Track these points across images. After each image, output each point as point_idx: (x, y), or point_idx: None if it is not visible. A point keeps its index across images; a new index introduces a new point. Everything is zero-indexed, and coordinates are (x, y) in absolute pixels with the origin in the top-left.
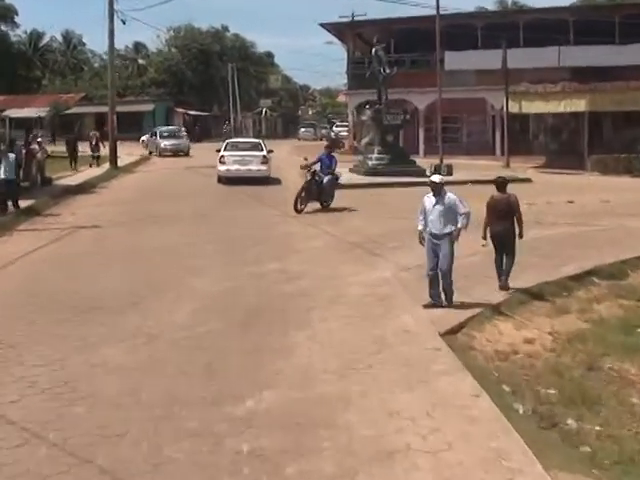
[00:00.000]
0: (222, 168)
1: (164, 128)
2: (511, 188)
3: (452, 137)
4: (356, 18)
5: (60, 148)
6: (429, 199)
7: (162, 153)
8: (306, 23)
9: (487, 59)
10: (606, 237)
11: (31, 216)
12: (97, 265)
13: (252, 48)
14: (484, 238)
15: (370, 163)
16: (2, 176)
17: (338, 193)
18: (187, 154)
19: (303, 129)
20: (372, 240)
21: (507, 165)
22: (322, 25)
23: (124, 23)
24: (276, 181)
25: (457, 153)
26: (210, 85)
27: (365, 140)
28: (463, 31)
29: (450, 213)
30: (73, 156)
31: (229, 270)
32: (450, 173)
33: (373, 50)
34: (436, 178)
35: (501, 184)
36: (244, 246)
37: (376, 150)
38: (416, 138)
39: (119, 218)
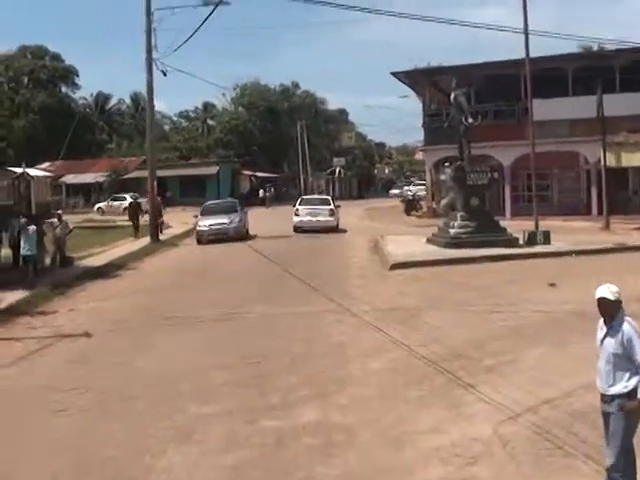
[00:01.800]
0: (296, 219)
1: (210, 203)
2: (621, 259)
3: (542, 195)
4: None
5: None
6: (600, 328)
7: (201, 239)
8: (380, 78)
9: (580, 107)
10: None
11: (13, 315)
12: (34, 426)
13: (323, 105)
14: None
15: (452, 232)
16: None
17: (411, 273)
18: (242, 238)
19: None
20: (459, 353)
21: (606, 227)
22: (394, 74)
23: (164, 74)
24: (339, 255)
25: (547, 213)
26: (279, 145)
27: (444, 201)
28: (552, 77)
29: (625, 358)
30: (135, 224)
31: (237, 428)
32: (548, 241)
33: (452, 96)
34: (605, 291)
35: None
36: (272, 371)
37: (459, 216)
38: (501, 197)
39: (126, 319)
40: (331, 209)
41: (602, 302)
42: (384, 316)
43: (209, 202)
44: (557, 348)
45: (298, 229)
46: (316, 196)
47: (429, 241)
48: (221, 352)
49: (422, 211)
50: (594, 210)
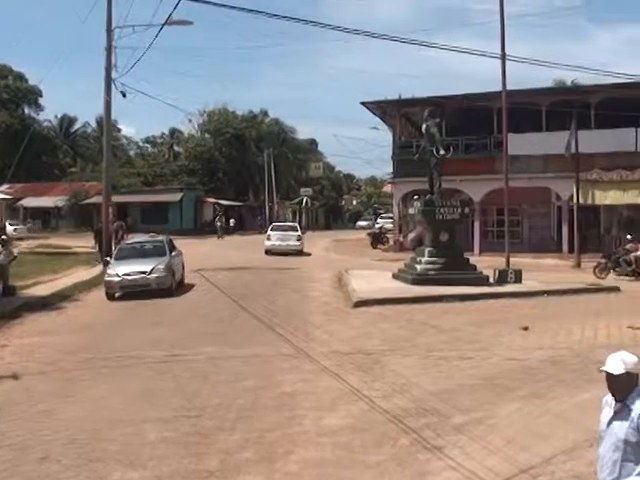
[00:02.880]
0: (268, 243)
1: (129, 242)
2: (596, 299)
3: (512, 231)
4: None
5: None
6: (607, 405)
7: (110, 292)
8: (352, 109)
9: (553, 143)
10: None
11: None
12: None
13: (292, 134)
14: None
15: (419, 268)
16: None
17: (372, 312)
18: (169, 292)
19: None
20: (426, 408)
21: (578, 265)
22: (364, 104)
23: (124, 96)
24: (301, 290)
25: (517, 250)
26: (245, 173)
27: (412, 235)
28: (526, 111)
29: (638, 447)
30: (101, 248)
31: None
32: (519, 279)
33: (424, 126)
34: (614, 364)
35: None
36: (213, 427)
37: (427, 251)
38: (470, 233)
39: (61, 359)
40: (298, 235)
41: (608, 376)
42: (344, 361)
43: (130, 241)
44: (533, 403)
45: (269, 252)
46: (285, 223)
47: (395, 277)
48: (159, 402)
49: (389, 245)
50: (565, 248)
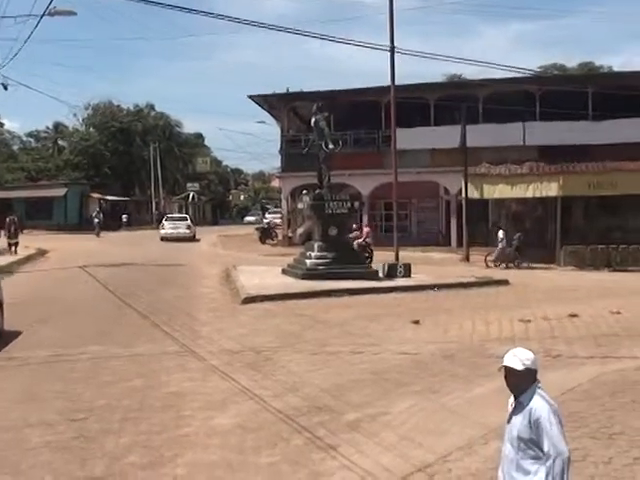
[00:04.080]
0: (163, 231)
1: None
2: (487, 293)
3: (401, 225)
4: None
5: None
6: (510, 404)
7: None
8: (240, 102)
9: (441, 137)
10: None
11: None
12: None
13: (179, 128)
14: None
15: (309, 263)
16: None
17: (261, 309)
18: None
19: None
20: (318, 406)
21: (466, 258)
22: (252, 97)
23: (5, 88)
24: (188, 286)
25: (406, 243)
26: (131, 168)
27: (301, 230)
28: (414, 105)
29: (532, 444)
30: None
31: None
32: (409, 273)
33: (313, 120)
34: (511, 359)
35: None
36: (99, 430)
37: (316, 246)
38: None
39: None
40: (188, 224)
41: (508, 372)
42: (233, 359)
43: None
44: (426, 398)
45: (164, 239)
46: (177, 215)
47: (285, 272)
48: (43, 404)
49: (277, 240)
50: (453, 241)
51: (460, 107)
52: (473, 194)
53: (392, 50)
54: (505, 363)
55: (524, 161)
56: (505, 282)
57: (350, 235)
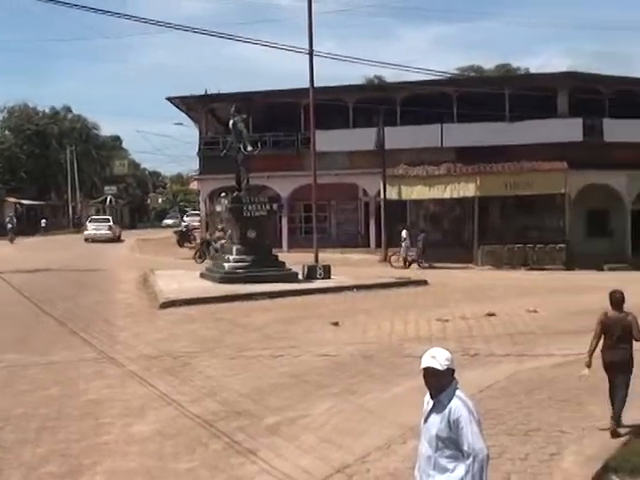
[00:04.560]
0: (86, 232)
1: None
2: (405, 293)
3: (320, 227)
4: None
5: None
6: (427, 403)
7: None
8: (157, 104)
9: (360, 139)
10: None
11: None
12: None
13: (96, 130)
14: (588, 366)
15: (227, 266)
16: None
17: (180, 313)
18: None
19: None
20: (237, 410)
21: (385, 259)
22: (169, 99)
23: None
24: (105, 291)
25: (326, 245)
26: (48, 171)
27: (219, 233)
28: (333, 107)
29: (450, 442)
30: None
31: None
32: (328, 275)
33: (231, 122)
34: (430, 359)
35: (619, 301)
36: (15, 440)
37: (235, 249)
38: (278, 230)
39: None
40: (109, 225)
41: (427, 372)
42: (152, 365)
43: None
44: (345, 400)
45: (88, 239)
46: (100, 217)
47: (203, 276)
48: None
49: (196, 243)
50: (372, 243)
51: (378, 109)
52: (391, 195)
53: (311, 53)
54: (425, 364)
55: (442, 162)
56: (424, 282)
57: (216, 235)
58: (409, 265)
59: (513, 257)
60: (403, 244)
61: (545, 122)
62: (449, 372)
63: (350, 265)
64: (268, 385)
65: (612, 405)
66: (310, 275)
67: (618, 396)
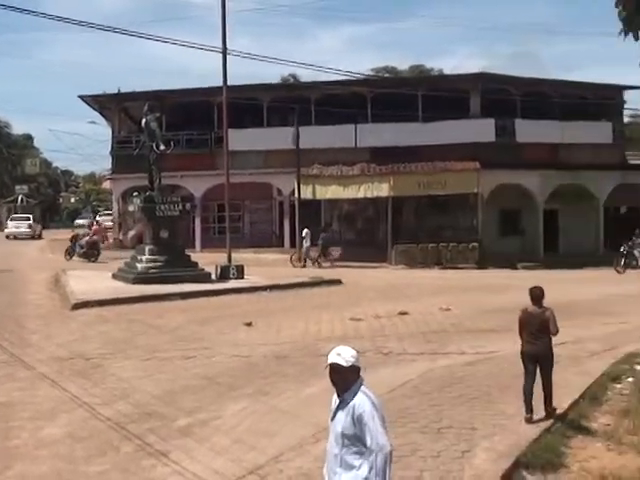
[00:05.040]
0: (7, 230)
1: None
2: (319, 293)
3: (234, 227)
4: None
5: None
6: (334, 401)
7: None
8: (69, 102)
9: (275, 138)
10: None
11: None
12: None
13: (7, 129)
14: None
15: (140, 267)
16: None
17: (92, 314)
18: None
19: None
20: (149, 412)
21: (299, 259)
22: (82, 97)
23: None
24: (15, 292)
25: (240, 245)
26: None
27: (132, 233)
28: (247, 106)
29: (356, 440)
30: None
31: None
32: (242, 275)
33: (143, 121)
34: (335, 356)
35: (538, 296)
36: None
37: (147, 249)
38: (191, 230)
39: None
40: (29, 224)
41: (332, 369)
42: (63, 367)
43: None
44: (258, 400)
45: (9, 236)
46: (20, 215)
47: (115, 276)
48: None
49: (108, 243)
50: (287, 242)
51: (293, 109)
52: (306, 195)
53: (224, 52)
54: (330, 361)
55: (356, 162)
56: (338, 282)
57: (81, 233)
58: (314, 264)
59: (427, 256)
60: (305, 243)
61: (458, 123)
62: (354, 369)
63: (264, 265)
64: (180, 387)
65: (526, 398)
66: (223, 275)
67: (545, 383)
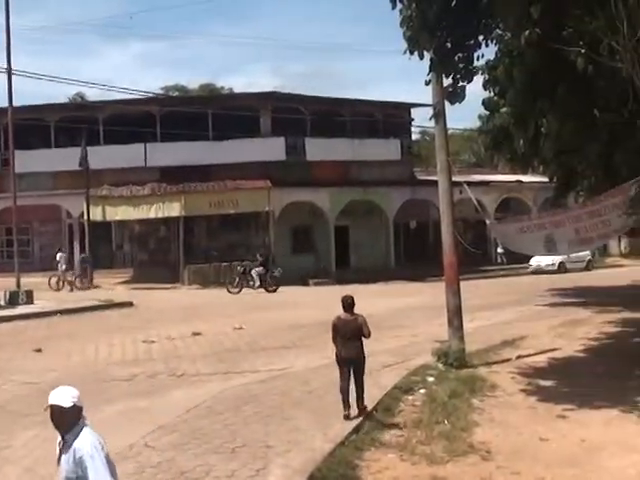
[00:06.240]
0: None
1: None
2: (110, 315)
3: (22, 251)
4: None
5: None
6: (59, 444)
7: None
8: None
9: (64, 159)
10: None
11: None
12: None
13: None
14: None
15: None
16: None
17: None
18: None
19: None
20: None
21: (91, 282)
22: None
23: None
24: None
25: (29, 269)
26: None
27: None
28: (34, 127)
29: None
30: None
31: None
32: (31, 300)
33: None
34: (57, 396)
35: (350, 304)
36: None
37: None
38: None
39: None
40: None
41: (53, 410)
42: None
43: None
44: (49, 428)
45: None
46: None
47: None
48: None
49: None
50: (77, 266)
51: (81, 129)
52: (96, 216)
53: (9, 72)
54: (50, 402)
55: (147, 182)
56: (129, 304)
57: None
58: (71, 287)
59: (219, 275)
60: (61, 267)
61: (249, 141)
62: (75, 409)
63: (54, 289)
64: None
65: (344, 397)
66: (12, 301)
67: (359, 383)
